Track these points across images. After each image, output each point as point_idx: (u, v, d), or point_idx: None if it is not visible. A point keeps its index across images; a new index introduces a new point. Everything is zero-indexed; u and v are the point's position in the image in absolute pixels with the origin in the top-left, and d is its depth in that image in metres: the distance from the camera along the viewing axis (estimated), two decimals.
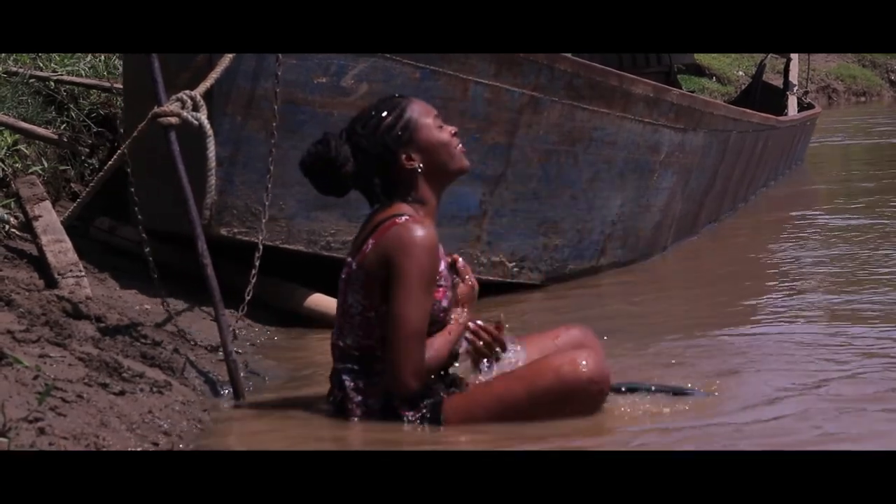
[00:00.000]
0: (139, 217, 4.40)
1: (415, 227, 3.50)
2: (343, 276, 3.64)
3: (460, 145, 3.73)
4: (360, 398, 3.57)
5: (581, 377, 3.50)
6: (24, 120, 5.59)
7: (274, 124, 4.69)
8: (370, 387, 3.57)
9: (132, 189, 4.45)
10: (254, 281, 4.46)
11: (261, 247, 4.57)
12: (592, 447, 3.36)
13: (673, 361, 4.32)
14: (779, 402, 3.75)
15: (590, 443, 3.41)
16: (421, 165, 3.61)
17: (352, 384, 3.58)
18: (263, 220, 4.64)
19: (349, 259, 3.64)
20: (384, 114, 3.62)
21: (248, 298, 4.45)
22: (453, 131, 3.70)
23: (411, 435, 3.50)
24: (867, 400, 3.76)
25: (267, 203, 4.62)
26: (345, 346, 3.60)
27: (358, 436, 3.55)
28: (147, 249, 4.34)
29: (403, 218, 3.53)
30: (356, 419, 3.57)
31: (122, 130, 4.94)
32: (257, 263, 4.52)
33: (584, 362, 3.53)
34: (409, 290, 3.47)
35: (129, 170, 4.50)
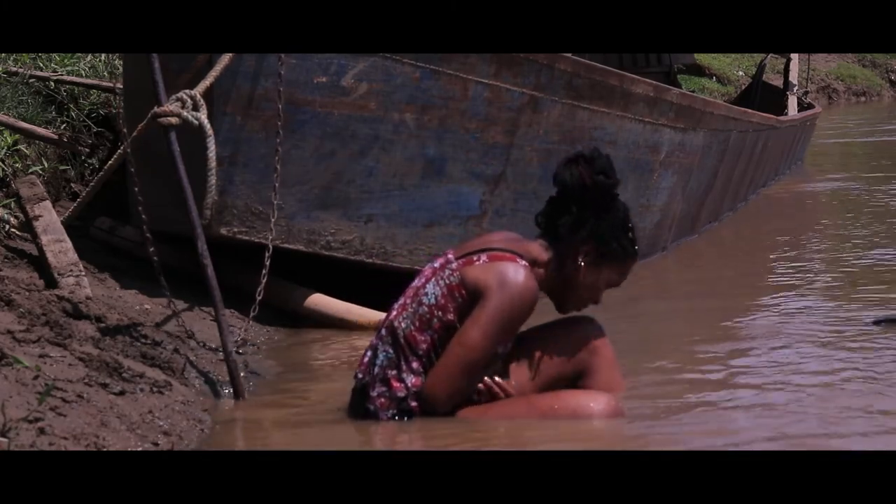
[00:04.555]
0: (143, 217, 4.40)
1: (528, 275, 3.53)
2: (436, 265, 3.63)
3: (591, 304, 3.80)
4: (382, 388, 3.57)
5: (593, 421, 3.53)
6: (24, 120, 5.59)
7: (279, 123, 4.69)
8: (396, 379, 3.57)
9: (136, 189, 4.44)
10: (264, 281, 4.46)
11: (270, 247, 4.57)
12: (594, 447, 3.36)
13: (674, 361, 4.32)
14: (778, 402, 3.75)
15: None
16: (580, 265, 3.66)
17: (380, 369, 3.58)
18: (273, 220, 4.65)
19: (451, 255, 3.63)
20: (631, 236, 3.71)
21: (258, 299, 4.45)
22: (599, 299, 3.77)
23: (408, 435, 3.51)
24: (865, 399, 3.77)
25: (276, 202, 4.64)
26: (397, 327, 3.59)
27: (358, 435, 3.55)
28: (151, 249, 4.33)
29: (524, 262, 3.57)
30: (371, 407, 3.56)
31: (122, 130, 4.93)
32: (268, 263, 4.51)
33: (598, 409, 3.54)
34: (491, 324, 3.48)
35: (132, 169, 4.50)
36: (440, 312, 3.54)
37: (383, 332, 3.63)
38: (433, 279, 3.59)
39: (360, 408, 3.62)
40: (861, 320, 4.95)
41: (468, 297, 3.52)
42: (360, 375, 3.64)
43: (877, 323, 4.82)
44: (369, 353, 3.64)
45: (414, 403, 3.55)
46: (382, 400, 3.56)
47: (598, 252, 3.66)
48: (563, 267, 3.66)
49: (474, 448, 3.34)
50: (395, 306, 3.66)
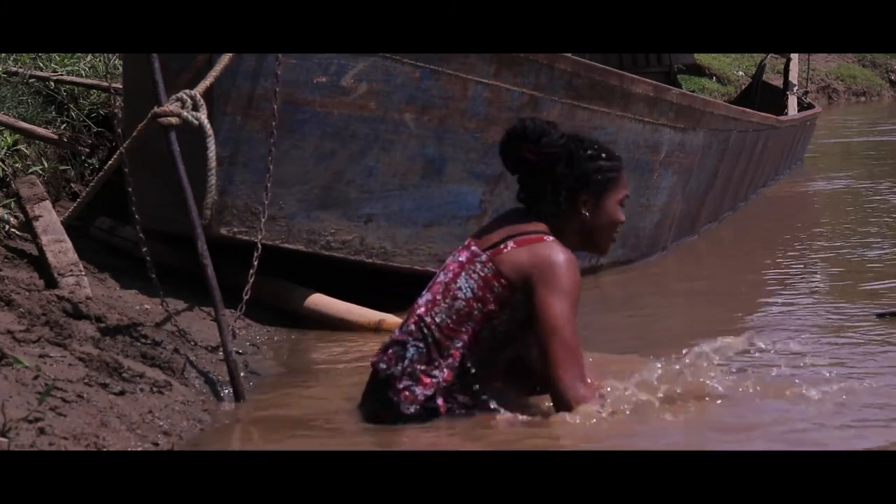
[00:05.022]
0: (136, 217, 4.40)
1: (565, 250, 3.57)
2: (461, 258, 3.64)
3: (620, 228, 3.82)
4: (408, 382, 3.57)
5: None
6: (24, 120, 5.59)
7: (273, 123, 4.69)
8: (426, 375, 3.57)
9: (130, 189, 4.45)
10: (252, 280, 4.46)
11: (259, 246, 4.57)
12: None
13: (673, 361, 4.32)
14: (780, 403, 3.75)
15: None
16: (587, 215, 3.68)
17: (409, 363, 3.58)
18: (262, 220, 4.65)
19: (474, 246, 3.64)
20: (604, 155, 3.71)
21: (245, 298, 4.45)
22: (622, 220, 3.78)
23: (405, 436, 3.51)
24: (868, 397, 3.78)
25: (266, 201, 4.64)
26: (430, 322, 3.60)
27: (357, 435, 3.55)
28: (144, 249, 4.33)
29: (550, 238, 3.60)
30: (395, 399, 3.56)
31: (121, 130, 4.93)
32: (256, 263, 4.52)
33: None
34: (567, 310, 3.51)
35: (126, 170, 4.50)
36: (479, 304, 3.56)
37: (412, 327, 3.62)
38: (463, 273, 3.61)
39: (380, 397, 3.61)
40: (865, 315, 4.98)
41: (508, 286, 3.54)
42: (383, 366, 3.62)
43: (881, 316, 4.87)
44: (395, 348, 3.63)
45: (440, 402, 3.55)
46: (407, 393, 3.56)
47: (592, 192, 3.68)
48: (574, 224, 3.69)
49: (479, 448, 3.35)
50: (422, 302, 3.66)
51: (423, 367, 3.57)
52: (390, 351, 3.63)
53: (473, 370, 3.57)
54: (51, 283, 4.44)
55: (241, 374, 4.06)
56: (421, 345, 3.59)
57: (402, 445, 3.44)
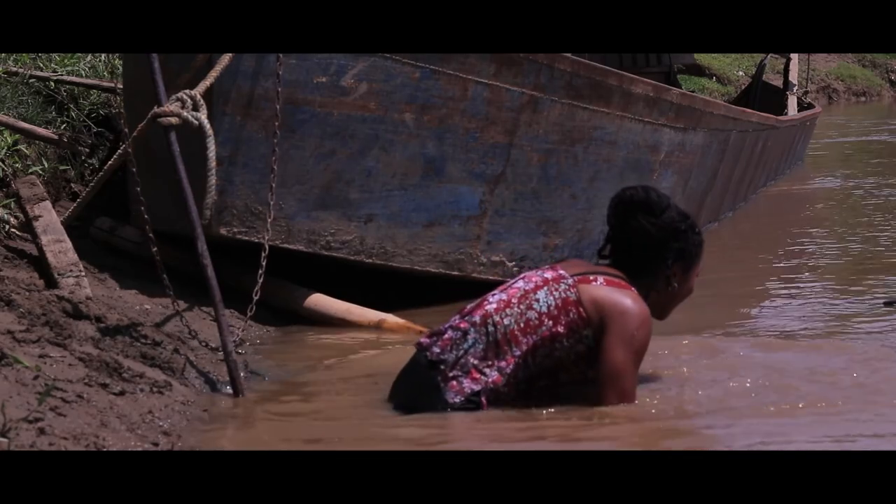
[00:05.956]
0: (145, 217, 4.39)
1: (645, 306, 3.66)
2: (547, 275, 3.69)
3: None
4: (458, 372, 3.59)
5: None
6: (25, 120, 5.59)
7: (276, 124, 4.69)
8: (478, 371, 3.60)
9: (138, 189, 4.44)
10: (261, 281, 4.46)
11: (267, 247, 4.57)
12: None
13: (671, 362, 4.32)
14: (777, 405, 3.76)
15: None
16: (675, 286, 3.81)
17: (464, 354, 3.60)
18: (269, 219, 4.65)
19: (561, 269, 3.71)
20: (697, 230, 3.85)
21: (256, 298, 4.44)
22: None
23: (407, 432, 3.51)
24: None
25: (272, 202, 4.64)
26: (497, 322, 3.63)
27: (356, 435, 3.55)
28: (154, 249, 4.33)
29: (635, 290, 3.69)
30: (442, 384, 3.58)
31: (122, 131, 4.94)
32: (264, 263, 4.51)
33: None
34: (631, 364, 3.60)
35: (133, 169, 4.49)
36: (550, 322, 3.61)
37: (476, 319, 3.65)
38: (545, 288, 3.65)
39: (424, 380, 3.62)
40: (871, 305, 5.06)
41: (583, 317, 3.61)
42: (436, 350, 3.64)
43: (888, 304, 5.00)
44: (454, 334, 3.65)
45: (484, 399, 3.58)
46: (454, 383, 3.59)
47: (684, 266, 3.81)
48: (661, 292, 3.81)
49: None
50: (493, 300, 3.69)
51: (476, 362, 3.61)
52: (447, 336, 3.65)
53: (520, 384, 3.62)
54: (51, 283, 4.44)
55: (241, 374, 4.05)
56: (482, 339, 3.61)
57: (403, 445, 3.44)
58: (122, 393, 3.49)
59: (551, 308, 3.62)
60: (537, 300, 3.64)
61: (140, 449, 3.14)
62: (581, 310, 3.61)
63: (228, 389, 4.02)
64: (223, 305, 4.12)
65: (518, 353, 3.60)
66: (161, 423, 3.42)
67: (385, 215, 5.17)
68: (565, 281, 3.65)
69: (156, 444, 3.23)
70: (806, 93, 14.12)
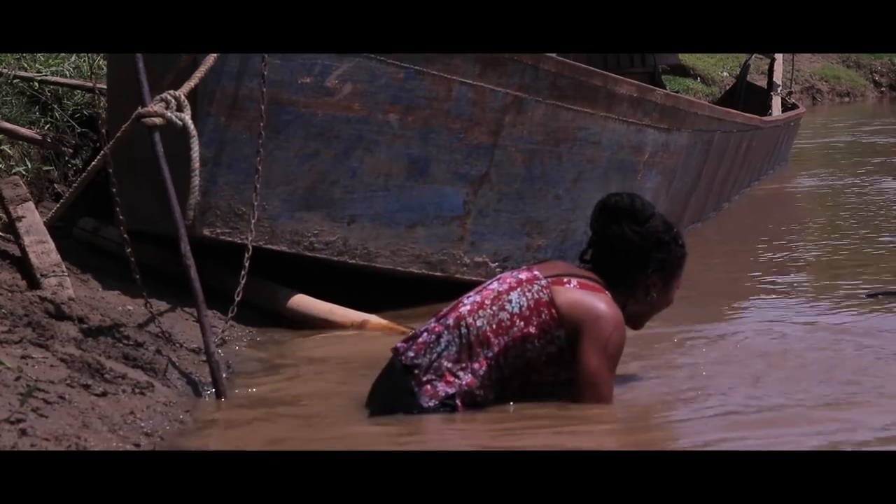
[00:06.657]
0: (121, 218, 4.39)
1: (619, 311, 3.66)
2: (521, 276, 3.70)
3: None
4: (432, 376, 3.59)
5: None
6: (8, 120, 5.57)
7: (261, 124, 4.68)
8: (451, 374, 3.60)
9: (114, 190, 4.44)
10: (243, 282, 4.45)
11: (250, 247, 4.56)
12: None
13: (662, 361, 4.33)
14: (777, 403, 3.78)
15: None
16: (654, 296, 3.82)
17: (438, 357, 3.60)
18: (252, 221, 4.64)
19: (536, 271, 3.72)
20: (681, 242, 3.85)
21: (237, 299, 4.44)
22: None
23: (385, 432, 3.52)
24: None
25: (256, 202, 4.64)
26: (470, 324, 3.63)
27: (336, 436, 3.55)
28: (129, 250, 4.32)
29: (609, 295, 3.69)
30: (416, 388, 3.58)
31: (105, 131, 4.92)
32: (247, 264, 4.51)
33: None
34: (606, 370, 3.61)
35: (110, 170, 4.48)
36: (522, 323, 3.61)
37: (450, 321, 3.65)
38: (518, 289, 3.66)
39: (399, 385, 3.62)
40: (856, 297, 5.13)
41: (555, 318, 3.61)
42: (410, 354, 3.64)
43: (872, 296, 5.11)
44: (429, 337, 3.65)
45: (459, 402, 3.58)
46: (428, 387, 3.59)
47: (665, 276, 3.81)
48: (639, 301, 3.81)
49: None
50: (467, 302, 3.70)
51: (449, 365, 3.60)
52: (421, 339, 3.66)
53: (494, 386, 3.62)
54: (33, 283, 4.43)
55: (224, 375, 4.05)
56: (455, 342, 3.61)
57: (385, 445, 3.44)
58: (104, 394, 3.48)
59: (523, 309, 3.62)
60: (510, 301, 3.64)
61: (121, 450, 3.13)
62: (553, 311, 3.61)
63: (210, 390, 4.02)
64: (206, 306, 4.12)
65: (490, 354, 3.60)
66: (143, 425, 3.41)
67: (369, 216, 5.17)
68: (538, 282, 3.66)
69: (137, 445, 3.23)
70: (790, 93, 14.17)
